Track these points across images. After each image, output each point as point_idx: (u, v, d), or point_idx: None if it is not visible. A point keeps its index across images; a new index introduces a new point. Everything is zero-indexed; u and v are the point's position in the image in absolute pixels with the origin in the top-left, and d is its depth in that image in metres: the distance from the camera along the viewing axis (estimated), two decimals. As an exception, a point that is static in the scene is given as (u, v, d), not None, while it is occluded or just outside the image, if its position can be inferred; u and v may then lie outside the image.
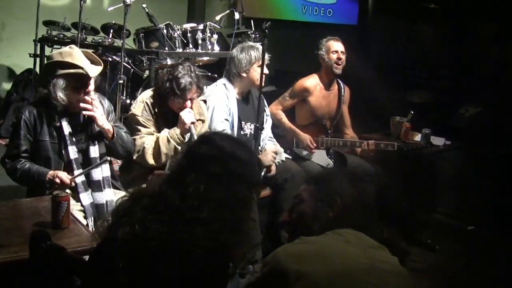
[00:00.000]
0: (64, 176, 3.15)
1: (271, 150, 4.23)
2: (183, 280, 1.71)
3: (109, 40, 5.03)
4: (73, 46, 3.36)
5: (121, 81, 4.66)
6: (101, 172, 3.38)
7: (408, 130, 4.90)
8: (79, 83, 3.19)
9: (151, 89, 3.88)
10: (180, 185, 1.82)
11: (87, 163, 3.34)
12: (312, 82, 4.68)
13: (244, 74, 4.14)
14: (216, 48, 5.28)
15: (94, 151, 3.37)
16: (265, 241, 4.49)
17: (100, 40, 5.00)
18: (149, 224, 1.74)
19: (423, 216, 5.31)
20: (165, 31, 4.92)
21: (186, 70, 3.65)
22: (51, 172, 3.16)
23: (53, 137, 3.23)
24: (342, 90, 4.80)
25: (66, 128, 3.25)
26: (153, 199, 1.82)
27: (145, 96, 3.81)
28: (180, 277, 1.71)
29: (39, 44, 5.31)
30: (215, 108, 4.08)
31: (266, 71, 4.12)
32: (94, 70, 3.24)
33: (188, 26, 5.13)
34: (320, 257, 1.70)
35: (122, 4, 4.61)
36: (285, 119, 4.71)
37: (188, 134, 3.70)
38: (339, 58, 4.61)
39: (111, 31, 5.02)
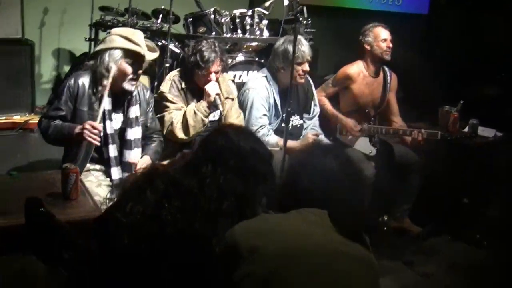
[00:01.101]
0: (94, 122, 3.14)
1: (311, 134, 4.20)
2: (194, 266, 1.77)
3: (157, 25, 5.14)
4: (137, 30, 3.48)
5: (167, 65, 4.78)
6: (135, 156, 3.47)
7: (456, 120, 4.73)
8: (134, 60, 3.28)
9: (178, 69, 4.01)
10: (196, 174, 1.89)
11: (123, 144, 3.46)
12: (355, 69, 4.59)
13: (282, 71, 4.15)
14: (266, 34, 5.28)
15: (132, 133, 3.46)
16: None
17: (148, 25, 5.13)
18: (163, 208, 1.80)
19: (472, 210, 5.11)
20: (212, 16, 4.97)
21: (210, 44, 3.79)
22: (80, 126, 3.17)
23: (92, 109, 3.30)
24: (388, 78, 4.68)
25: (107, 103, 3.32)
26: (167, 184, 1.87)
27: (172, 74, 3.96)
28: (191, 264, 1.77)
29: (94, 29, 5.53)
30: (253, 103, 4.13)
31: (306, 67, 4.12)
32: (151, 55, 3.38)
33: (237, 11, 5.16)
34: (275, 233, 1.68)
35: (169, -11, 4.72)
36: (328, 105, 4.66)
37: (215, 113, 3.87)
38: (388, 47, 4.51)
39: (160, 16, 5.13)
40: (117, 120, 3.45)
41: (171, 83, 3.88)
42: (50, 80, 6.15)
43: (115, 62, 3.23)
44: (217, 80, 3.84)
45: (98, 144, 3.19)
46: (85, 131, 3.11)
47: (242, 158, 1.93)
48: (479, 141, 4.62)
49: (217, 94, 3.77)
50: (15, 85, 5.23)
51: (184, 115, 3.77)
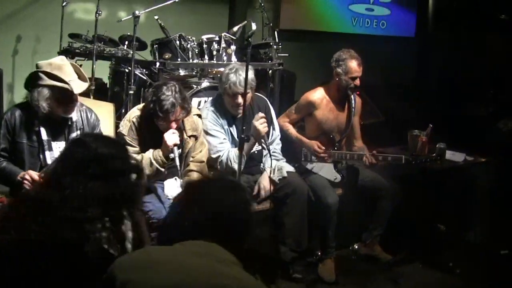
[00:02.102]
0: (34, 173, 3.23)
1: (256, 119, 3.93)
2: (70, 276, 1.76)
3: (123, 51, 5.10)
4: (63, 58, 3.44)
5: (131, 92, 4.74)
6: None
7: (425, 144, 4.65)
8: (63, 96, 3.29)
9: (139, 107, 3.87)
10: (57, 188, 1.91)
11: None
12: (317, 95, 4.53)
13: (225, 98, 4.12)
14: (234, 59, 5.24)
15: None
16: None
17: (113, 52, 5.09)
18: (30, 230, 1.80)
19: (445, 236, 4.99)
20: (177, 42, 4.94)
21: (170, 91, 3.60)
22: (22, 172, 3.26)
23: (32, 140, 3.34)
24: (353, 102, 4.60)
25: (44, 134, 3.36)
26: (30, 206, 1.89)
27: (132, 115, 3.80)
28: (66, 273, 1.77)
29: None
30: (208, 132, 4.07)
31: (238, 100, 3.99)
32: (79, 87, 3.34)
33: (204, 37, 5.13)
34: (151, 266, 1.63)
35: (131, 16, 4.69)
36: (292, 130, 4.60)
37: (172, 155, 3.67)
38: (356, 84, 4.43)
39: (126, 42, 5.09)
40: (60, 148, 3.42)
41: (130, 125, 3.73)
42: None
43: (44, 100, 3.24)
44: (177, 127, 3.70)
45: None
46: (25, 182, 3.20)
47: (101, 164, 1.98)
48: (446, 166, 4.51)
49: (175, 145, 3.63)
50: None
51: (140, 162, 3.65)
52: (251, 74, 3.98)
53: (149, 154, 3.66)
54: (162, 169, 3.64)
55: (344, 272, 4.42)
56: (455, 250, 4.84)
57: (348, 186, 4.65)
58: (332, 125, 4.56)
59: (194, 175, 3.91)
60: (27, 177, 3.21)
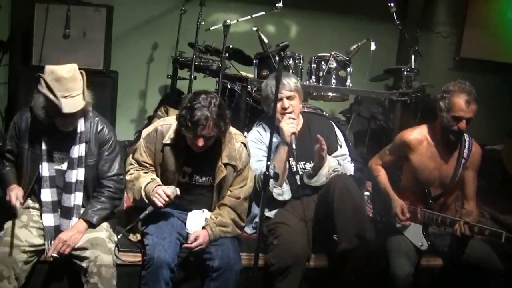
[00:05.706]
0: (14, 195, 2.93)
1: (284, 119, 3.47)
2: None
3: (219, 64, 4.60)
4: (74, 68, 2.97)
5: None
6: (73, 200, 3.10)
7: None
8: (54, 110, 2.92)
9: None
10: None
11: (64, 185, 3.10)
12: (415, 135, 3.57)
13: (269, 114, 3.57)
14: (349, 84, 4.45)
15: (73, 175, 3.08)
16: None
17: (208, 64, 4.63)
18: None
19: None
20: (277, 58, 4.31)
21: (208, 102, 3.02)
22: (12, 186, 3.02)
23: (34, 147, 3.07)
24: (465, 150, 3.51)
25: (44, 143, 3.06)
26: None
27: (161, 121, 3.35)
28: None
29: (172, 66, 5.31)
30: (251, 152, 3.46)
31: (285, 104, 3.44)
32: (73, 105, 2.91)
33: (316, 55, 4.44)
34: None
35: (221, 25, 4.24)
36: (382, 177, 3.71)
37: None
38: (460, 128, 3.39)
39: (226, 54, 4.57)
40: (63, 159, 3.10)
41: (154, 129, 3.27)
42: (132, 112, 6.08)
43: (40, 108, 2.95)
44: (203, 145, 3.08)
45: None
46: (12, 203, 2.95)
47: None
48: None
49: (168, 196, 3.05)
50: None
51: (137, 181, 3.21)
52: (294, 79, 3.56)
53: (146, 180, 3.17)
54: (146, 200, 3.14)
55: None
56: None
57: (450, 258, 3.59)
58: (431, 176, 3.55)
59: (225, 211, 3.28)
60: (10, 195, 2.92)
